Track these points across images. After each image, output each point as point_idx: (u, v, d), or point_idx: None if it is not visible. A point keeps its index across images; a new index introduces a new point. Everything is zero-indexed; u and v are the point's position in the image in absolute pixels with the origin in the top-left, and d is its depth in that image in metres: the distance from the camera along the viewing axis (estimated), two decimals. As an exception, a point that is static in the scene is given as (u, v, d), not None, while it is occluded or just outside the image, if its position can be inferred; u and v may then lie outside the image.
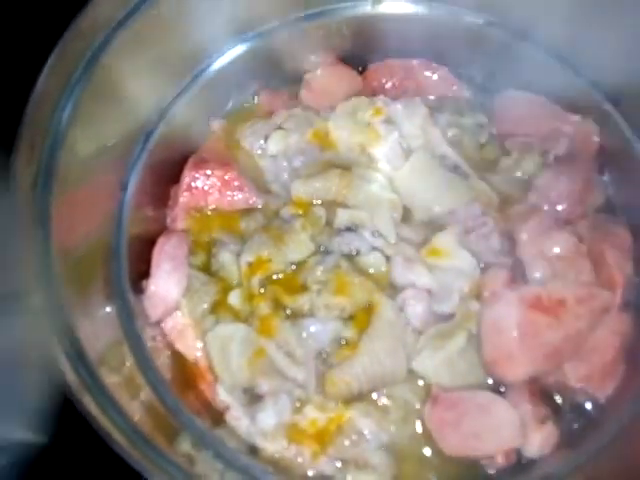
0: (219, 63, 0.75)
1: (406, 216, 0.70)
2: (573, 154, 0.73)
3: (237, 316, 0.65)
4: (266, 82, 0.79)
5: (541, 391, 0.62)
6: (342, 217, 0.69)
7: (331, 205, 0.71)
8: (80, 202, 0.61)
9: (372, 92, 0.79)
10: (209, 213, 0.72)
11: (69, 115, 0.59)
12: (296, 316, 0.64)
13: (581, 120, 0.74)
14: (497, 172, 0.73)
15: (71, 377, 0.50)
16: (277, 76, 0.80)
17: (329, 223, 0.69)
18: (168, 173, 0.73)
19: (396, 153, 0.72)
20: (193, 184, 0.72)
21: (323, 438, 0.59)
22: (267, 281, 0.67)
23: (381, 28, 0.79)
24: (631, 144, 0.70)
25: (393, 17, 0.78)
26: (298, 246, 0.67)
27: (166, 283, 0.66)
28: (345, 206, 0.70)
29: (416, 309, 0.63)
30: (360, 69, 0.82)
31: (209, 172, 0.71)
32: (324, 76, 0.80)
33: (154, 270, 0.66)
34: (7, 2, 0.76)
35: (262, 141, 0.75)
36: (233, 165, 0.73)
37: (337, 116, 0.74)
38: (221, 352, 0.62)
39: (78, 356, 0.51)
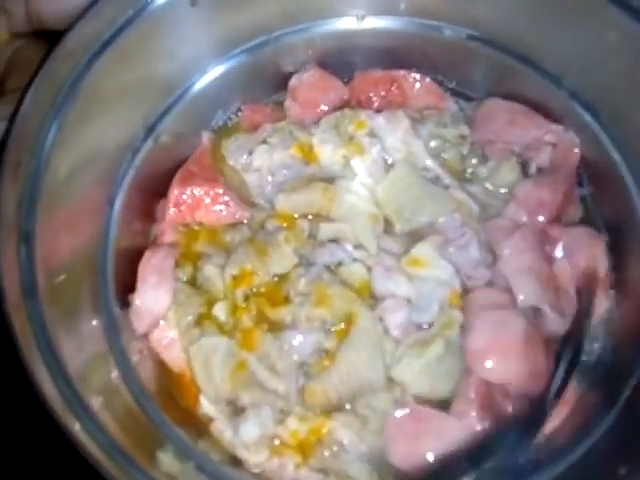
0: (204, 80, 0.76)
1: (387, 228, 0.71)
2: (554, 165, 0.74)
3: (222, 329, 0.66)
4: (251, 97, 0.80)
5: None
6: (325, 230, 0.70)
7: (315, 218, 0.72)
8: (66, 219, 0.62)
9: (357, 103, 0.80)
10: (196, 227, 0.73)
11: (54, 134, 0.60)
12: (278, 328, 0.65)
13: (563, 131, 0.75)
14: (475, 182, 0.74)
15: (50, 391, 0.50)
16: (262, 91, 0.81)
17: (312, 235, 0.70)
18: (155, 188, 0.74)
19: (378, 166, 0.73)
20: (180, 200, 0.73)
21: (305, 449, 0.60)
22: (251, 293, 0.67)
23: (366, 43, 0.80)
24: (611, 155, 0.70)
25: (377, 32, 0.79)
26: (281, 259, 0.68)
27: (152, 296, 0.67)
28: (328, 219, 0.71)
29: (396, 318, 0.64)
30: (345, 80, 0.82)
31: (196, 188, 0.72)
32: (309, 85, 0.80)
33: (140, 284, 0.67)
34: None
35: (246, 156, 0.76)
36: (219, 180, 0.74)
37: (321, 130, 0.75)
38: (204, 365, 0.63)
39: (59, 370, 0.52)
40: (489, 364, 0.61)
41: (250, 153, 0.75)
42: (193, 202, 0.73)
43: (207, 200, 0.73)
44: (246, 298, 0.67)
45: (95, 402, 0.53)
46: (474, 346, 0.62)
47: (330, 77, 0.81)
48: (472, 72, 0.79)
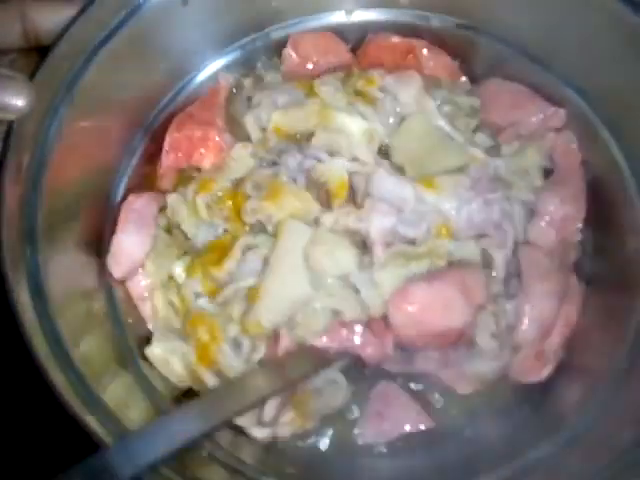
0: (199, 78, 0.77)
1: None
2: (560, 168, 0.73)
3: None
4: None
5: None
6: (320, 138, 0.69)
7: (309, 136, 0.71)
8: (68, 219, 0.63)
9: (369, 66, 0.77)
10: (193, 174, 0.73)
11: (54, 134, 0.61)
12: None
13: (564, 116, 0.74)
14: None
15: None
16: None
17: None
18: (154, 186, 0.74)
19: (390, 116, 0.72)
20: (174, 144, 0.73)
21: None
22: (211, 201, 0.68)
23: (356, 37, 0.81)
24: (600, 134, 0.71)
25: (367, 25, 0.80)
26: (240, 165, 0.69)
27: (131, 240, 0.67)
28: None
29: (383, 223, 0.63)
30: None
31: (190, 131, 0.72)
32: (312, 41, 0.78)
33: (120, 226, 0.67)
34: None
35: (246, 101, 0.75)
36: (216, 123, 0.73)
37: (324, 81, 0.73)
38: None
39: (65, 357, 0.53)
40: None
41: (249, 99, 0.75)
42: (189, 146, 0.72)
43: (201, 144, 0.72)
44: (208, 207, 0.68)
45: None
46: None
47: (336, 40, 0.79)
48: (462, 61, 0.79)
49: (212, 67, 0.77)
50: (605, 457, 0.56)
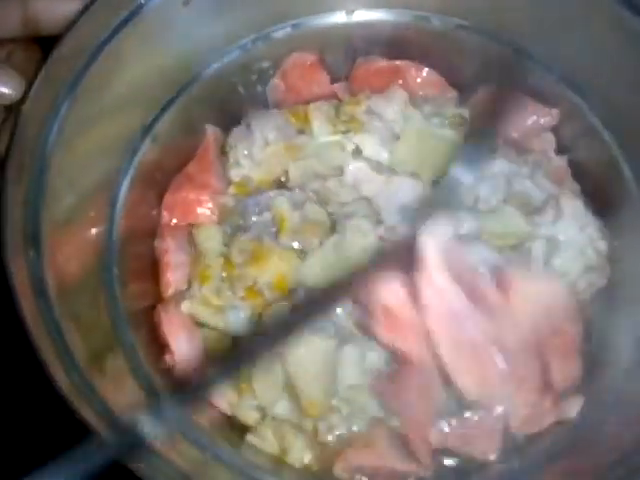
0: (201, 78, 0.77)
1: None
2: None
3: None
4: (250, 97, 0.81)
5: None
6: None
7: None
8: (70, 220, 0.63)
9: (360, 91, 0.79)
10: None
11: (55, 135, 0.61)
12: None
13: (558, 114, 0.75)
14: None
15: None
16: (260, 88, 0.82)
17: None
18: (156, 186, 0.75)
19: (384, 137, 0.73)
20: (172, 205, 0.75)
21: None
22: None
23: (356, 36, 0.81)
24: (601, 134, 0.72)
25: (367, 25, 0.80)
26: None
27: (188, 351, 0.67)
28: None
29: None
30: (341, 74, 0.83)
31: (185, 193, 0.74)
32: (299, 72, 0.80)
33: (173, 343, 0.67)
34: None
35: (245, 130, 0.77)
36: (211, 184, 0.75)
37: (319, 103, 0.76)
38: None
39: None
40: None
41: (248, 126, 0.76)
42: (184, 207, 0.74)
43: (196, 204, 0.74)
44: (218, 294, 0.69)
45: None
46: None
47: (320, 70, 0.81)
48: (462, 61, 0.80)
49: (213, 67, 0.77)
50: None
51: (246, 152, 0.76)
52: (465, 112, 0.77)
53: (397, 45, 0.81)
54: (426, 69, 0.80)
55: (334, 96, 0.80)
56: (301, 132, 0.76)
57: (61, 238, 0.60)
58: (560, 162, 0.75)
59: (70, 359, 0.54)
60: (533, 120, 0.76)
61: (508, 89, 0.75)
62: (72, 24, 0.63)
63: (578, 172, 0.75)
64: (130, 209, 0.71)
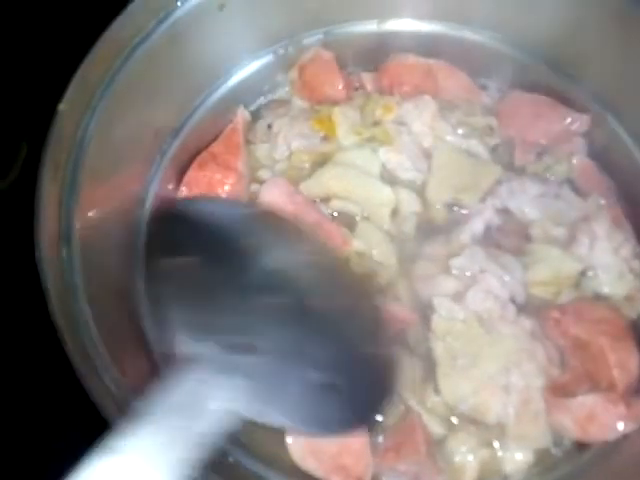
0: (231, 82, 0.77)
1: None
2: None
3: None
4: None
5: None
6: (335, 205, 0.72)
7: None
8: (101, 219, 0.63)
9: (389, 86, 0.79)
10: None
11: (91, 134, 0.61)
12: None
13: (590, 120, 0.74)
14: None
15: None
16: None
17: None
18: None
19: (413, 154, 0.73)
20: (192, 182, 0.73)
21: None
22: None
23: (386, 45, 0.81)
24: (633, 154, 0.72)
25: (397, 34, 0.81)
26: None
27: None
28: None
29: None
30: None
31: (209, 173, 0.73)
32: (314, 71, 0.79)
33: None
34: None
35: (266, 129, 0.76)
36: (236, 166, 0.73)
37: (344, 106, 0.75)
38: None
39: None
40: None
41: (270, 126, 0.76)
42: (207, 186, 0.72)
43: (217, 187, 0.72)
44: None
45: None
46: None
47: (334, 71, 0.79)
48: (493, 73, 0.80)
49: (244, 72, 0.78)
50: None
51: (269, 156, 0.75)
52: (493, 121, 0.77)
53: (427, 55, 0.80)
54: (457, 71, 0.79)
55: (345, 99, 0.79)
56: (325, 139, 0.75)
57: (93, 238, 0.60)
58: (588, 165, 0.74)
59: (100, 361, 0.54)
60: (564, 125, 0.75)
61: (537, 95, 0.76)
62: (109, 25, 0.64)
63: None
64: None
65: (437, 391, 0.63)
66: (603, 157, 0.75)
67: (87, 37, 0.63)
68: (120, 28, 0.64)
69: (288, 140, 0.74)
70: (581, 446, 0.62)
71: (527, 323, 0.64)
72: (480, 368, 0.61)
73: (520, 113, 0.76)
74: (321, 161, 0.74)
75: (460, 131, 0.75)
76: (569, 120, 0.75)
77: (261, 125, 0.77)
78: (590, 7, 0.69)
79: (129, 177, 0.68)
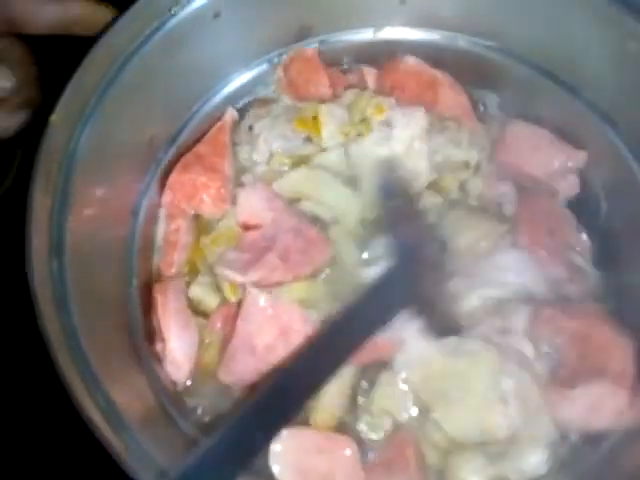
0: (226, 90, 0.77)
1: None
2: None
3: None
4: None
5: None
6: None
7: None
8: (93, 229, 0.62)
9: (390, 87, 0.78)
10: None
11: (83, 144, 0.61)
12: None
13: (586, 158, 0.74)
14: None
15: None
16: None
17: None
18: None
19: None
20: (176, 185, 0.71)
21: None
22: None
23: (382, 54, 0.81)
24: (630, 166, 0.71)
25: (393, 43, 0.80)
26: None
27: (184, 341, 0.64)
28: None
29: None
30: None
31: (194, 176, 0.71)
32: (298, 69, 0.78)
33: (166, 332, 0.64)
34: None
35: (247, 130, 0.75)
36: (221, 169, 0.72)
37: (331, 104, 0.74)
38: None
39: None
40: None
41: (251, 128, 0.74)
42: (191, 189, 0.71)
43: (202, 191, 0.71)
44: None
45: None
46: None
47: (318, 69, 0.78)
48: (487, 83, 0.79)
49: (239, 80, 0.77)
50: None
51: (250, 159, 0.74)
52: (473, 156, 0.75)
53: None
54: (459, 89, 0.78)
55: (331, 98, 0.77)
56: (308, 140, 0.74)
57: (85, 251, 0.59)
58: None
59: (90, 374, 0.53)
60: (561, 161, 0.74)
61: (536, 126, 0.76)
62: (103, 32, 0.63)
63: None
64: (153, 218, 0.71)
65: (439, 429, 0.62)
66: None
67: (81, 45, 0.63)
68: (114, 36, 0.64)
69: (269, 142, 0.73)
70: (589, 441, 0.62)
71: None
72: (473, 393, 0.61)
73: (520, 144, 0.76)
74: (302, 163, 0.73)
75: (437, 158, 0.74)
76: (566, 155, 0.74)
77: (244, 126, 0.76)
78: (588, 20, 0.69)
79: (122, 187, 0.68)
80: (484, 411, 0.61)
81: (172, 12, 0.67)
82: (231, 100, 0.77)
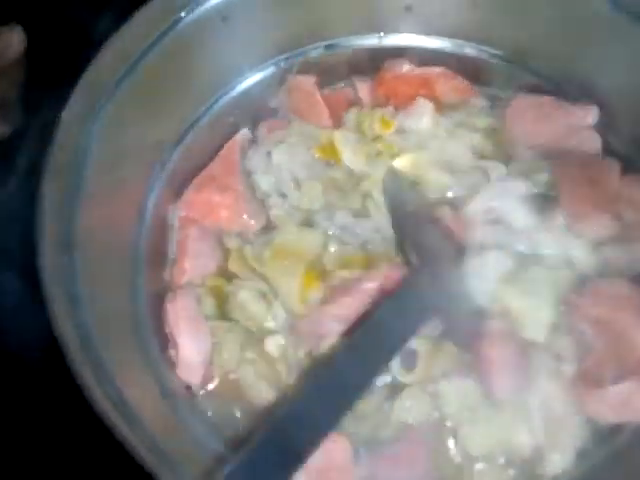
0: (233, 93, 0.77)
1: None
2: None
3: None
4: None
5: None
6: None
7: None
8: (103, 226, 0.63)
9: (384, 96, 0.79)
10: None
11: (93, 143, 0.61)
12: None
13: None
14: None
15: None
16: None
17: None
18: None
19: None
20: (192, 205, 0.72)
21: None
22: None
23: (388, 59, 0.81)
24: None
25: (399, 49, 0.81)
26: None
27: (196, 345, 0.64)
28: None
29: None
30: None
31: (209, 194, 0.72)
32: (298, 97, 0.78)
33: (178, 337, 0.63)
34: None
35: (264, 157, 0.75)
36: (236, 187, 0.72)
37: (343, 130, 0.75)
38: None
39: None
40: None
41: (269, 154, 0.75)
42: (206, 208, 0.72)
43: (219, 208, 0.71)
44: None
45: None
46: None
47: (316, 101, 0.78)
48: (494, 90, 0.80)
49: (246, 84, 0.78)
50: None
51: (276, 189, 0.74)
52: (495, 123, 0.76)
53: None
54: (455, 76, 0.79)
55: (335, 126, 0.77)
56: (329, 165, 0.75)
57: (95, 246, 0.59)
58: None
59: (102, 369, 0.53)
60: (569, 121, 0.73)
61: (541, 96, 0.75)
62: (113, 35, 0.64)
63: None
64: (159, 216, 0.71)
65: (461, 450, 0.61)
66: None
67: (91, 47, 0.64)
68: (123, 39, 0.65)
69: (293, 172, 0.74)
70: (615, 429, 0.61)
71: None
72: (497, 410, 0.60)
73: (524, 118, 0.75)
74: (334, 185, 0.73)
75: (460, 131, 0.74)
76: (574, 115, 0.73)
77: (259, 153, 0.75)
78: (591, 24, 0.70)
79: (130, 186, 0.68)
80: (510, 429, 0.60)
81: (181, 15, 0.68)
82: (237, 104, 0.77)
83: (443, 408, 0.61)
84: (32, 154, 0.74)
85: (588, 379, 0.61)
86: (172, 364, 0.64)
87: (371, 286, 0.63)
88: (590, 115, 0.73)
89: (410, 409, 0.61)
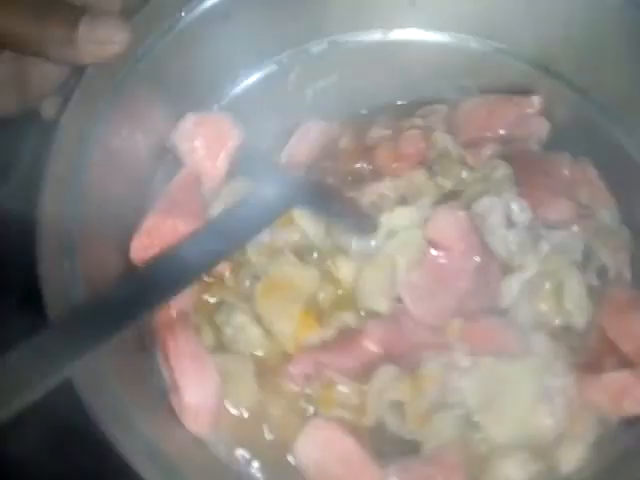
0: (236, 91, 0.77)
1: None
2: None
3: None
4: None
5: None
6: None
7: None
8: (103, 230, 0.63)
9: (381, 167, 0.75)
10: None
11: (93, 147, 0.61)
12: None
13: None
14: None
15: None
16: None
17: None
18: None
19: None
20: (153, 229, 0.65)
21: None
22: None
23: (391, 55, 0.81)
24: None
25: (402, 44, 0.80)
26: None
27: (201, 386, 0.56)
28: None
29: None
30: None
31: (174, 220, 0.65)
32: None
33: (180, 380, 0.57)
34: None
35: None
36: (203, 217, 0.67)
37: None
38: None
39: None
40: None
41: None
42: (167, 232, 0.64)
43: (181, 235, 0.63)
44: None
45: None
46: None
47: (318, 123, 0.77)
48: (499, 84, 0.79)
49: (248, 81, 0.77)
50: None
51: None
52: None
53: (433, 66, 0.80)
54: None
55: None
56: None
57: (95, 250, 0.59)
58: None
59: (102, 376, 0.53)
60: (517, 112, 0.76)
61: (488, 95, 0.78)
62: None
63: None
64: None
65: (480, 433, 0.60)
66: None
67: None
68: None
69: None
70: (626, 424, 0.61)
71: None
72: (519, 396, 0.59)
73: (475, 117, 0.77)
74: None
75: None
76: (522, 105, 0.76)
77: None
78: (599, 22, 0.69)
79: (130, 191, 0.67)
80: (531, 414, 0.59)
81: (182, 14, 0.67)
82: (239, 102, 0.77)
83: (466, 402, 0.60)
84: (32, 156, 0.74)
85: (588, 367, 0.61)
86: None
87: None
88: (535, 103, 0.76)
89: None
